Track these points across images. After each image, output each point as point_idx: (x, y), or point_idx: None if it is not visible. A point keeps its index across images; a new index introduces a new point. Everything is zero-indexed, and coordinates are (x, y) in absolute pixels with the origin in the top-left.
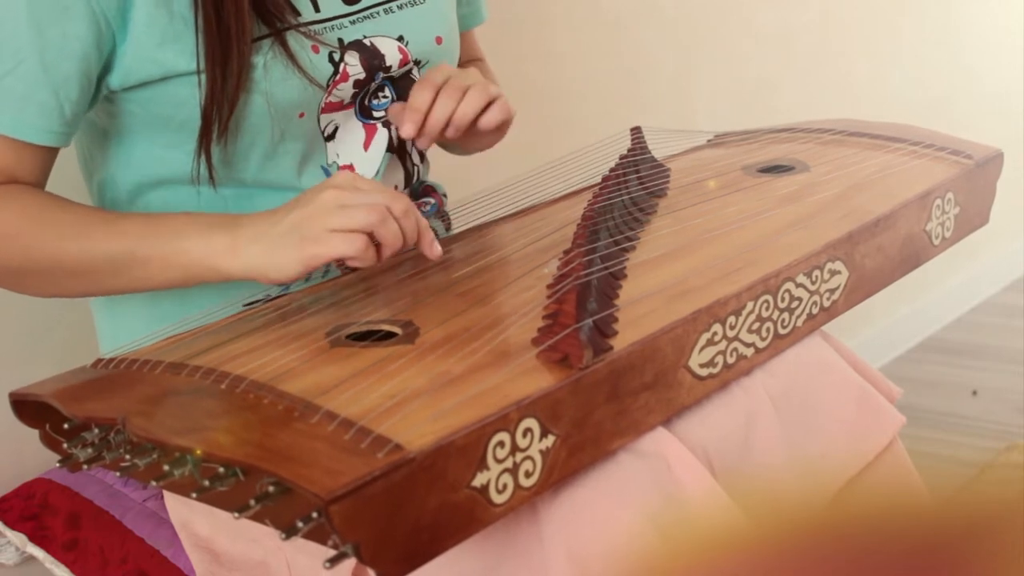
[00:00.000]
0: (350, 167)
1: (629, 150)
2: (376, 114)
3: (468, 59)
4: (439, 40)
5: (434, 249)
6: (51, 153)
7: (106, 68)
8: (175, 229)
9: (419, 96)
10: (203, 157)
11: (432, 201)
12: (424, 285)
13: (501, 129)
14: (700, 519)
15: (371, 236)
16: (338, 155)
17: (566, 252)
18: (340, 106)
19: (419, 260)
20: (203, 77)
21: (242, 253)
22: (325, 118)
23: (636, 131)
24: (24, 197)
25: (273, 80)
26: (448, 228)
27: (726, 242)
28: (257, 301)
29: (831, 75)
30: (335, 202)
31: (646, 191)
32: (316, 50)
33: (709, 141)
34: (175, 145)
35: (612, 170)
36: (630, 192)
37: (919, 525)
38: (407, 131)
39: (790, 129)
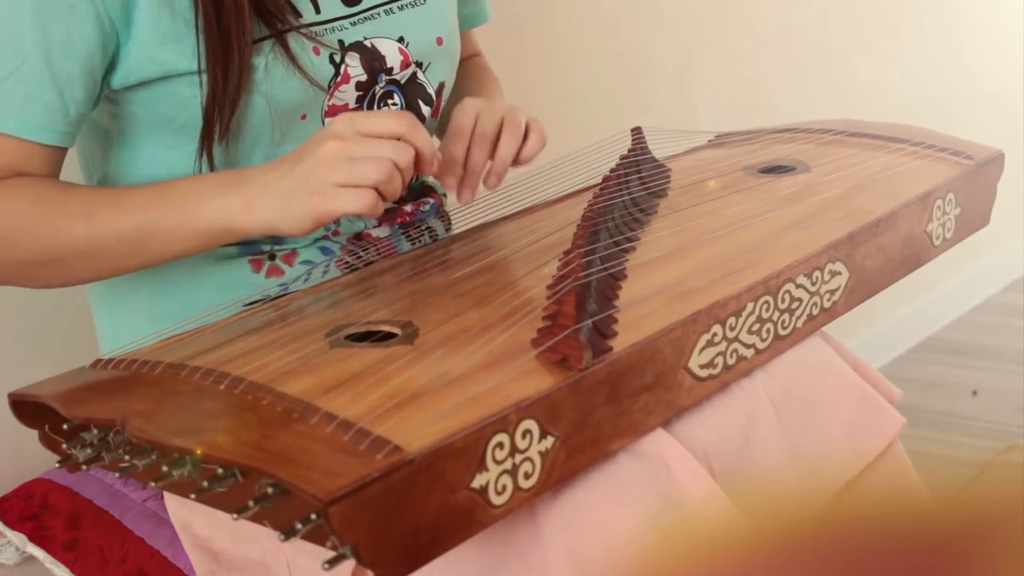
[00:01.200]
0: None
1: (630, 150)
2: None
3: (467, 55)
4: (439, 41)
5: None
6: (58, 152)
7: (109, 67)
8: (184, 195)
9: (452, 149)
10: (205, 158)
11: (431, 201)
12: (424, 286)
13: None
14: (700, 520)
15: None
16: None
17: (566, 253)
18: (345, 110)
19: (419, 260)
20: (204, 77)
21: (256, 209)
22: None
23: (636, 131)
24: (29, 186)
25: (274, 81)
26: (448, 228)
27: (727, 243)
28: (257, 301)
29: (831, 75)
30: (340, 154)
31: (647, 191)
32: (317, 52)
33: (710, 141)
34: (177, 146)
35: (612, 170)
36: (631, 192)
37: (919, 525)
38: (450, 186)
39: (791, 129)
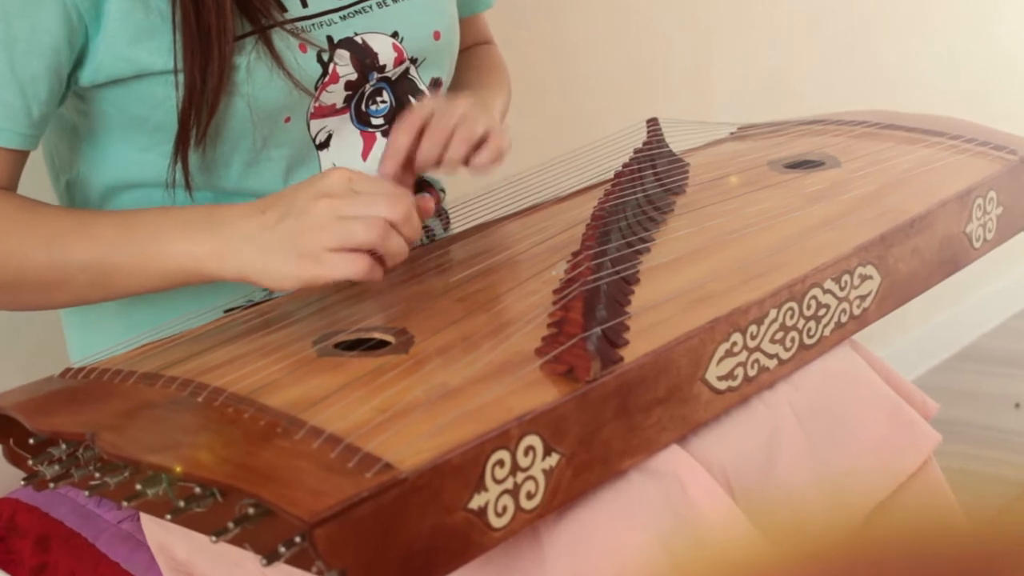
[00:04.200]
0: None
1: (644, 143)
2: (374, 121)
3: (475, 43)
4: (437, 35)
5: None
6: (19, 156)
7: (77, 64)
8: (153, 230)
9: (400, 139)
10: (179, 163)
11: (428, 196)
12: (420, 290)
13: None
14: (717, 544)
15: (373, 251)
16: (334, 165)
17: (574, 254)
18: (332, 111)
19: (415, 262)
20: (180, 77)
21: (230, 257)
22: (316, 124)
23: (652, 123)
24: None
25: (256, 83)
26: (446, 227)
27: (748, 244)
28: (238, 307)
29: (860, 62)
30: (331, 214)
31: (663, 188)
32: (304, 49)
33: (732, 134)
34: (150, 147)
35: (626, 165)
36: (645, 189)
37: (955, 550)
38: (384, 172)
39: (820, 121)
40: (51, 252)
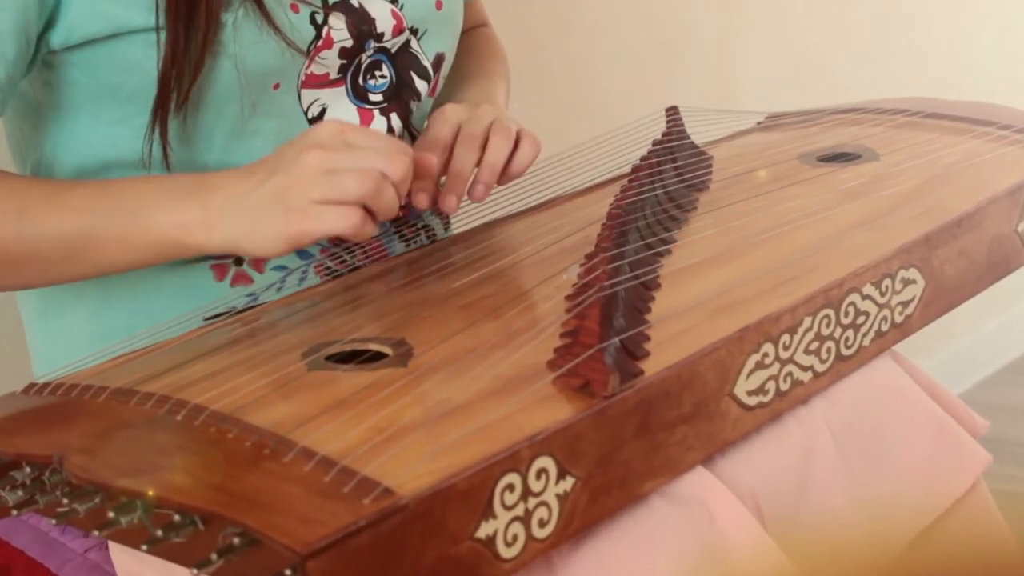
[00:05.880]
0: None
1: (664, 135)
2: (372, 97)
3: (471, 25)
4: (439, 5)
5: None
6: None
7: (48, 24)
8: (136, 200)
9: (427, 160)
10: (157, 133)
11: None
12: (419, 296)
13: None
14: (746, 575)
15: (364, 205)
16: None
17: (588, 257)
18: (326, 80)
19: (414, 266)
20: (162, 35)
21: (218, 226)
22: (308, 94)
23: (672, 112)
24: None
25: (244, 42)
26: (447, 227)
27: (779, 245)
28: (220, 314)
29: (901, 44)
30: (321, 166)
31: (684, 184)
32: (296, 9)
33: (759, 124)
34: (124, 120)
35: (644, 159)
36: (665, 185)
37: None
38: (421, 204)
39: (856, 110)
40: (20, 223)
